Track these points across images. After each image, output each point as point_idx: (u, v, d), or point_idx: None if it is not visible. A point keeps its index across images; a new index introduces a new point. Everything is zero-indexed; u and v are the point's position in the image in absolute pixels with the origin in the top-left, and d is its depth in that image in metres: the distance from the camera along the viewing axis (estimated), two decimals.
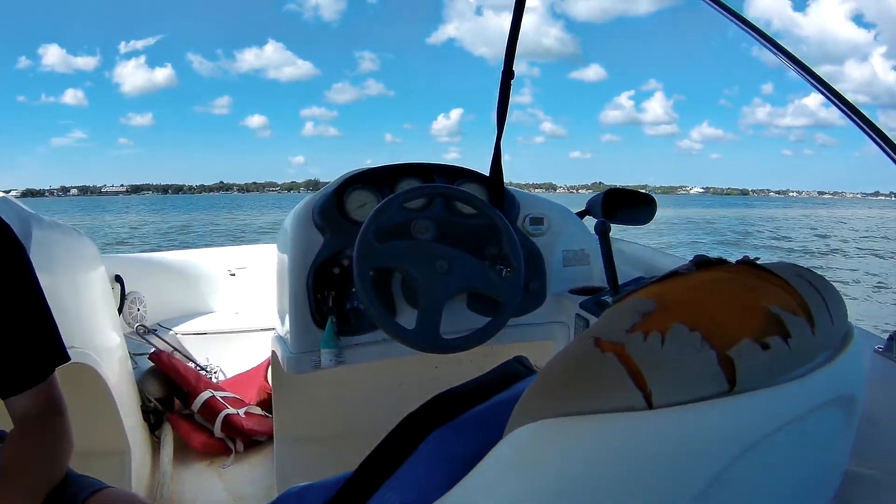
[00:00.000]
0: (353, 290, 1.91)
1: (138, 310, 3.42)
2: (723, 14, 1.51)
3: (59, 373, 1.31)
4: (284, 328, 2.05)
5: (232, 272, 3.96)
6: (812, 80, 1.30)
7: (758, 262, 0.66)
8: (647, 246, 2.54)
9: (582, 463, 0.56)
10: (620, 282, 1.97)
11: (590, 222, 2.24)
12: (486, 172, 2.17)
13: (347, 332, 1.95)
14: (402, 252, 1.83)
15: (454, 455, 0.71)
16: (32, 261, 1.27)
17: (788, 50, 1.36)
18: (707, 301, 0.60)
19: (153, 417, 2.87)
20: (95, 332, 2.15)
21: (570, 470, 0.56)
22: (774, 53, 1.37)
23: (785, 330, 0.58)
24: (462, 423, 0.77)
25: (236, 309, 3.87)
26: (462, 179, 2.12)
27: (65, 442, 1.25)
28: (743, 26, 1.45)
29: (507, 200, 2.13)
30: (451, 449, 0.73)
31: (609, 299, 1.91)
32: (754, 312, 0.59)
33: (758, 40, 1.41)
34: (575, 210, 2.33)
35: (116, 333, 2.46)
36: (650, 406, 0.54)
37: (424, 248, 1.87)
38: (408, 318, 1.85)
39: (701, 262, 0.66)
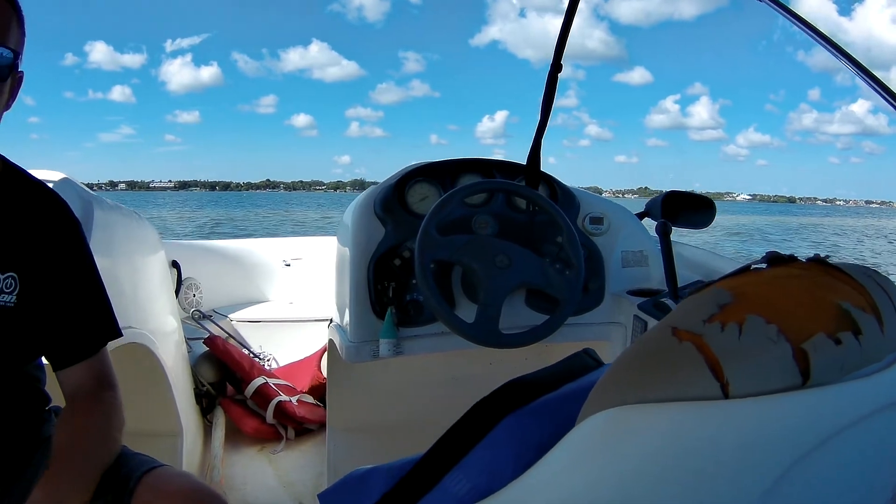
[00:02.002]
0: (414, 281, 1.92)
1: (194, 295, 3.48)
2: (776, 10, 1.47)
3: (116, 353, 1.34)
4: (344, 318, 2.06)
5: (287, 262, 4.02)
6: (866, 78, 1.25)
7: (828, 260, 0.65)
8: (705, 249, 2.50)
9: (658, 449, 0.56)
10: (679, 284, 1.93)
11: (648, 224, 2.22)
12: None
13: (406, 323, 1.95)
14: (464, 246, 1.83)
15: (525, 441, 0.71)
16: (94, 242, 1.30)
17: (842, 47, 1.31)
18: (781, 295, 0.60)
19: (205, 401, 2.92)
20: (153, 315, 2.18)
21: (646, 455, 0.56)
22: (829, 51, 1.32)
23: (856, 326, 0.57)
24: (533, 410, 0.77)
25: (290, 299, 3.92)
26: (522, 176, 2.11)
27: (117, 417, 1.26)
28: (797, 22, 1.41)
29: (567, 199, 2.11)
30: (522, 435, 0.73)
31: (668, 301, 1.89)
32: (826, 308, 0.58)
33: (811, 36, 1.36)
34: (634, 212, 2.31)
35: (173, 317, 2.50)
36: (726, 396, 0.55)
37: (485, 242, 1.87)
38: (466, 311, 1.84)
39: (773, 259, 0.66)
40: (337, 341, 2.10)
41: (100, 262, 1.33)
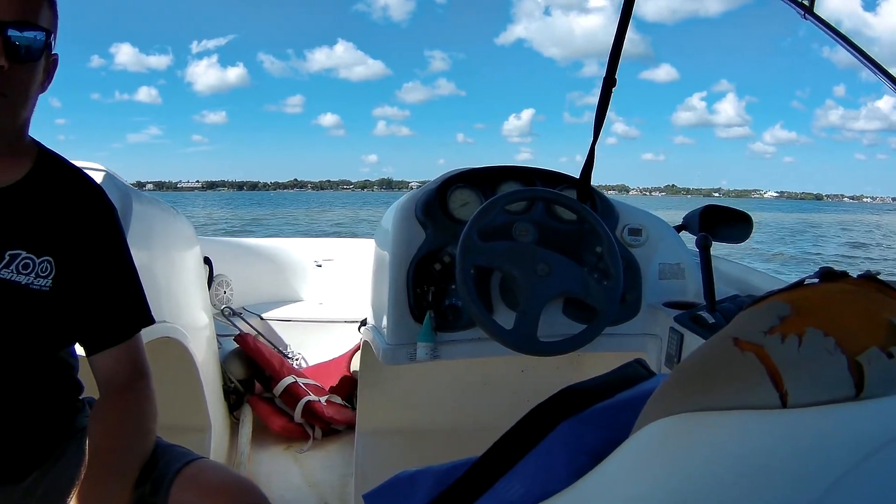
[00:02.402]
0: (453, 286, 1.94)
1: (224, 292, 3.49)
2: (797, 10, 1.46)
3: (149, 346, 1.34)
4: (381, 320, 2.07)
5: (319, 263, 4.03)
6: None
7: (879, 276, 0.67)
8: (742, 264, 2.52)
9: (720, 455, 0.57)
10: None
11: (684, 237, 2.24)
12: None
13: (444, 327, 1.95)
14: (505, 253, 1.85)
15: (579, 448, 0.72)
16: (132, 234, 1.32)
17: (863, 49, 1.29)
18: (837, 309, 0.62)
19: (233, 398, 2.94)
20: (186, 309, 2.20)
21: (709, 461, 0.57)
22: (852, 53, 1.29)
23: None
24: (587, 417, 0.78)
25: (321, 300, 3.93)
26: (563, 185, 2.12)
27: (151, 407, 1.28)
28: (819, 24, 1.39)
29: (607, 209, 2.12)
30: (576, 442, 0.74)
31: (705, 314, 1.89)
32: (879, 323, 0.60)
33: (832, 38, 1.35)
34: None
35: (206, 313, 2.51)
36: (784, 405, 0.56)
37: (526, 250, 1.88)
38: (504, 318, 1.85)
39: (826, 274, 0.67)
40: (373, 343, 2.11)
41: (136, 255, 1.35)
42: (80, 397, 1.39)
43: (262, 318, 3.54)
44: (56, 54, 1.24)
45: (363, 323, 2.97)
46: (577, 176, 2.13)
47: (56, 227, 1.24)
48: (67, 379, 1.35)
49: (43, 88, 1.24)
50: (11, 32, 1.10)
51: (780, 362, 0.57)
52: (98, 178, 1.63)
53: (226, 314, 3.38)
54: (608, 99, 2.05)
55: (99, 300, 1.28)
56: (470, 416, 2.48)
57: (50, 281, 1.21)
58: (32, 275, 1.20)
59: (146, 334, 1.34)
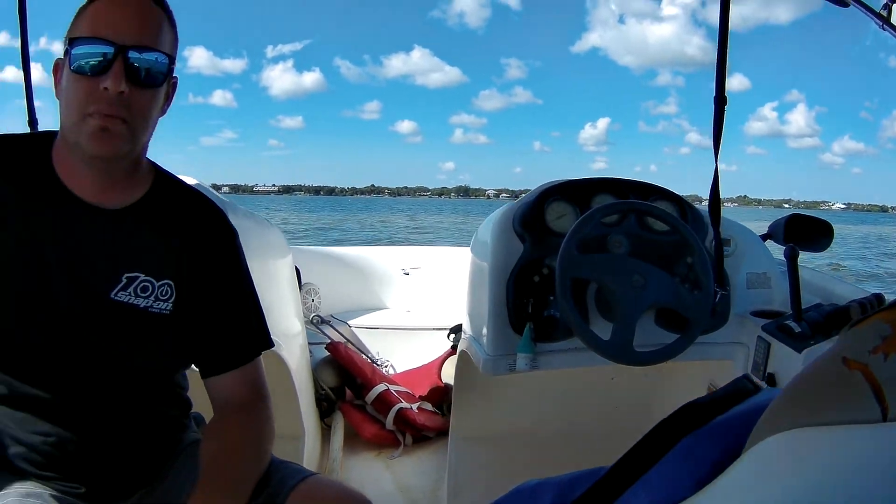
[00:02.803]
0: (551, 297, 1.99)
1: (312, 300, 3.55)
2: (875, 21, 1.41)
3: None
4: (481, 331, 2.12)
5: (406, 271, 4.07)
6: None
7: None
8: (824, 273, 2.58)
9: (830, 469, 0.60)
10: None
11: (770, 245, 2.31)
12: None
13: (542, 338, 2.01)
14: (602, 265, 1.91)
15: (701, 460, 0.75)
16: None
17: None
18: None
19: (324, 405, 2.98)
20: (281, 319, 2.24)
21: (820, 475, 0.61)
22: None
23: None
24: (707, 431, 0.81)
25: (408, 307, 3.97)
26: (654, 196, 2.16)
27: (269, 429, 1.28)
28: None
29: (696, 220, 2.16)
30: (699, 454, 0.77)
31: (792, 323, 1.92)
32: None
33: None
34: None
35: (299, 321, 2.56)
36: (884, 419, 0.59)
37: (622, 262, 1.94)
38: (600, 328, 1.89)
39: None
40: (472, 353, 2.16)
41: None
42: (189, 413, 1.40)
43: (349, 326, 3.58)
44: (176, 77, 1.23)
45: (452, 330, 2.98)
46: (659, 184, 2.19)
47: (177, 251, 1.24)
48: (178, 397, 1.36)
49: (163, 112, 1.24)
50: (132, 55, 1.11)
51: (882, 380, 0.60)
52: None
53: (314, 322, 3.44)
54: (722, 117, 2.07)
55: (219, 324, 1.28)
56: (562, 423, 2.51)
57: (170, 304, 1.22)
58: (152, 298, 1.21)
59: None
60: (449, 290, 3.65)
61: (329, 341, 3.16)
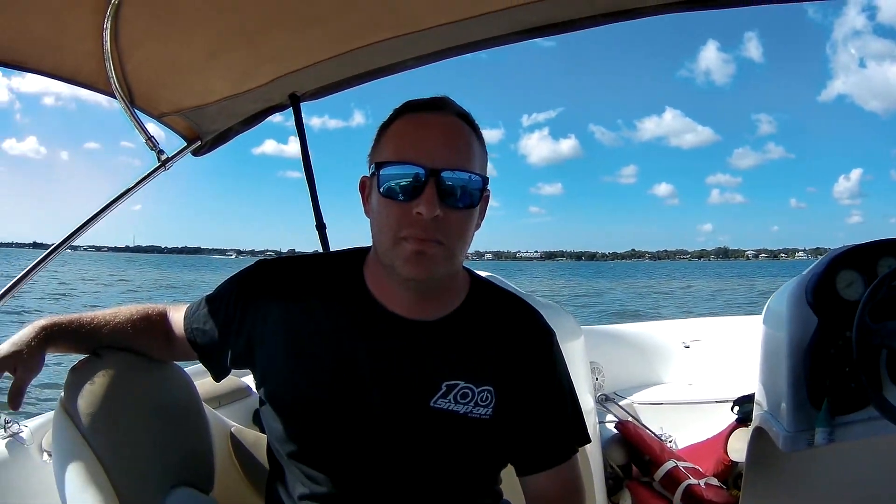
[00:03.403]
0: (847, 369, 1.96)
1: (597, 379, 3.65)
2: None
3: None
4: (777, 406, 2.11)
5: (686, 344, 4.05)
6: None
7: None
8: None
9: None
10: None
11: None
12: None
13: (839, 411, 1.98)
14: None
15: None
16: None
17: None
18: None
19: (611, 482, 3.03)
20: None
21: None
22: None
23: None
24: None
25: (689, 380, 3.94)
26: None
27: None
28: None
29: None
30: None
31: None
32: None
33: None
34: None
35: (591, 400, 2.69)
36: None
37: None
38: (892, 395, 1.86)
39: None
40: (768, 428, 2.15)
41: None
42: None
43: (633, 403, 3.64)
44: (489, 190, 1.22)
45: (737, 402, 2.93)
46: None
47: (494, 356, 1.26)
48: (491, 491, 1.37)
49: (477, 227, 1.24)
50: (445, 176, 1.12)
51: None
52: None
53: (600, 401, 3.51)
54: None
55: (539, 426, 1.29)
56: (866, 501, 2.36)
57: (490, 409, 1.23)
58: (472, 404, 1.22)
59: None
60: (730, 362, 3.59)
61: (615, 419, 3.25)
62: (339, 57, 2.08)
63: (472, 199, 1.16)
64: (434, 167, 1.12)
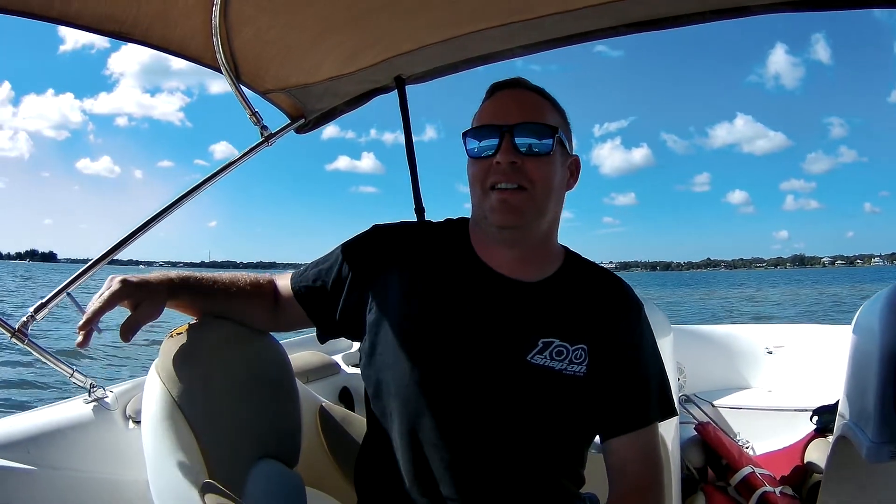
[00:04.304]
0: None
1: (678, 379, 3.61)
2: None
3: None
4: (863, 415, 2.08)
5: (769, 350, 4.00)
6: None
7: None
8: None
9: None
10: None
11: None
12: None
13: None
14: None
15: None
16: None
17: None
18: None
19: (685, 485, 3.00)
20: None
21: None
22: None
23: None
24: None
25: (770, 387, 3.91)
26: None
27: (657, 500, 1.35)
28: None
29: None
30: None
31: None
32: None
33: None
34: None
35: (676, 399, 2.67)
36: None
37: None
38: None
39: None
40: (852, 438, 2.12)
41: None
42: (581, 491, 1.44)
43: (713, 405, 3.59)
44: (576, 156, 1.39)
45: (816, 412, 2.85)
46: None
47: (588, 319, 1.34)
48: (575, 471, 1.41)
49: (569, 186, 1.39)
50: (518, 130, 1.27)
51: None
52: None
53: (681, 401, 3.50)
54: None
55: (626, 386, 1.36)
56: None
57: (584, 367, 1.31)
58: (566, 361, 1.30)
59: None
60: (812, 371, 3.50)
61: (694, 420, 3.21)
62: (446, 42, 2.11)
63: (546, 147, 1.29)
64: (507, 123, 1.27)
